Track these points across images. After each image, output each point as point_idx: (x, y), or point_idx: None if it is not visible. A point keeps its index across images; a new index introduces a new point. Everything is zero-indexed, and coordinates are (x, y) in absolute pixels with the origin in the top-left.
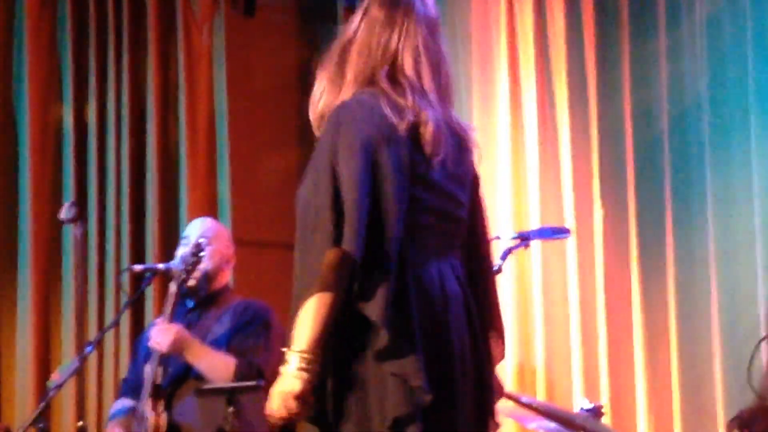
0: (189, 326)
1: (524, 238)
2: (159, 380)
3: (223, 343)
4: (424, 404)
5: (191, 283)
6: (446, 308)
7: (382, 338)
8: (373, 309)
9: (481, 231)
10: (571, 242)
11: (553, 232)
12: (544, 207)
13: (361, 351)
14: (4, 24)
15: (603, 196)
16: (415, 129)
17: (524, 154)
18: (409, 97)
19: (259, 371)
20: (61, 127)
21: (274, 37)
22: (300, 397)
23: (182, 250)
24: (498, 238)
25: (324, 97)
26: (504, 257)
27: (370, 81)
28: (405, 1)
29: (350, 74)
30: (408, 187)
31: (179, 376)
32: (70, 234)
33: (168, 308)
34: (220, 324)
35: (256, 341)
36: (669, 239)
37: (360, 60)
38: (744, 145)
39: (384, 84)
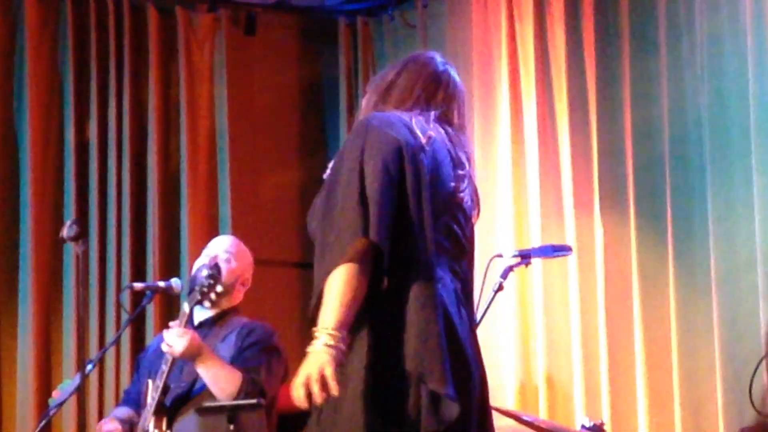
0: None
1: (525, 256)
2: (163, 398)
3: (227, 363)
4: (452, 418)
5: (206, 305)
6: (461, 325)
7: (411, 343)
8: (408, 318)
9: (473, 249)
10: (572, 260)
11: (554, 250)
12: (545, 225)
13: (385, 349)
14: (5, 42)
15: (603, 214)
16: (437, 149)
17: (525, 171)
18: (442, 131)
19: (262, 390)
20: (63, 145)
21: (275, 55)
22: (326, 376)
23: (202, 261)
24: (499, 256)
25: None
26: (505, 275)
27: (407, 107)
28: (447, 72)
29: (391, 100)
30: (430, 193)
31: (182, 395)
32: (71, 252)
33: (182, 321)
34: (226, 344)
35: (259, 362)
36: (670, 257)
37: (401, 97)
38: (745, 163)
39: (416, 112)
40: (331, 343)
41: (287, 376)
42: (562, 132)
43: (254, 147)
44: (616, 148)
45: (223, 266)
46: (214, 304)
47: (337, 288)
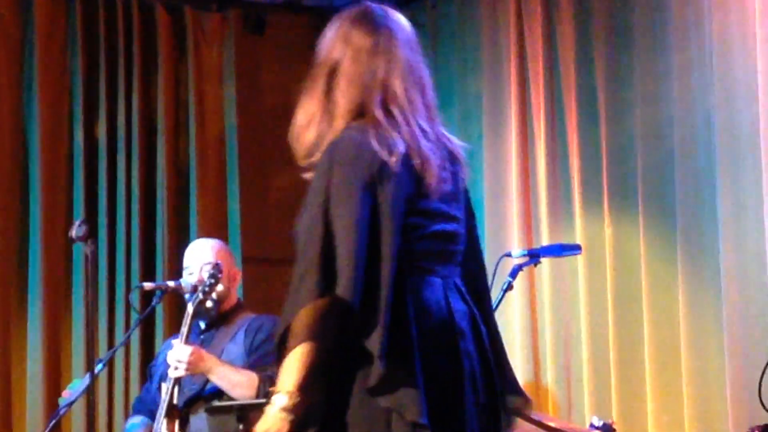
0: (203, 346)
1: (534, 255)
2: (174, 400)
3: (240, 362)
4: None
5: (208, 304)
6: (453, 327)
7: (375, 372)
8: (373, 343)
9: (476, 245)
10: (581, 259)
11: (564, 249)
12: (553, 224)
13: (354, 388)
14: (15, 42)
15: (612, 213)
16: (408, 161)
17: (534, 171)
18: (404, 128)
19: None
20: (72, 145)
21: (284, 55)
22: None
23: (188, 279)
24: (508, 255)
25: (314, 126)
26: (514, 274)
27: (361, 111)
28: (385, 26)
29: (343, 104)
30: (403, 221)
31: (194, 396)
32: (81, 252)
33: (184, 329)
34: (235, 342)
35: (271, 361)
36: (679, 256)
37: (351, 90)
38: (754, 162)
39: (378, 114)
40: (289, 406)
41: None
42: (571, 131)
43: (263, 146)
44: (625, 147)
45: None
46: (216, 303)
47: (296, 363)
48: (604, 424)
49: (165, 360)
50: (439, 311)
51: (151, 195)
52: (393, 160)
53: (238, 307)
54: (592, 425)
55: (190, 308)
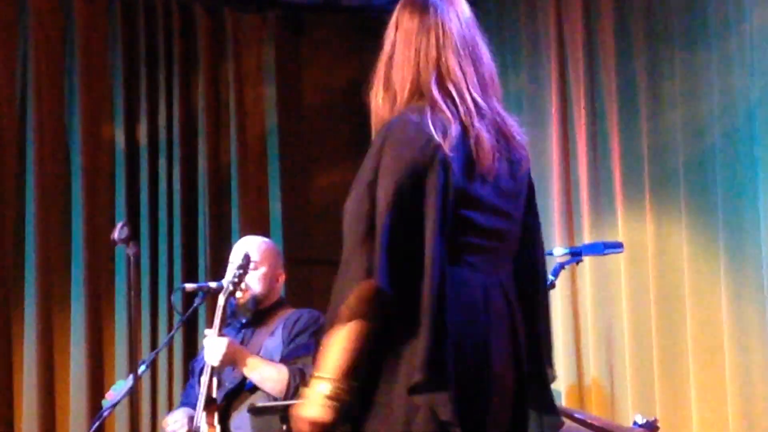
0: (242, 343)
1: (576, 254)
2: (213, 393)
3: (278, 355)
4: None
5: (238, 295)
6: (488, 327)
7: (417, 373)
8: (416, 344)
9: (532, 244)
10: (623, 257)
11: (606, 247)
12: (595, 222)
13: (392, 381)
14: (56, 45)
15: (654, 211)
16: (462, 141)
17: (575, 168)
18: (459, 106)
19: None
20: (113, 147)
21: (323, 54)
22: (327, 427)
23: (230, 274)
24: (550, 253)
25: (381, 114)
26: (556, 273)
27: (419, 91)
28: (433, 4)
29: (400, 87)
30: (451, 209)
31: (234, 390)
32: (123, 254)
33: (217, 321)
34: (273, 338)
35: (308, 350)
36: (721, 253)
37: (405, 71)
38: None
39: (434, 92)
40: (333, 394)
41: None
42: (612, 128)
43: (304, 147)
44: (667, 144)
45: (252, 276)
46: (249, 307)
47: (341, 346)
48: (648, 422)
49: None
50: (477, 311)
51: (192, 196)
52: (447, 144)
53: (278, 305)
54: (635, 423)
55: (221, 300)
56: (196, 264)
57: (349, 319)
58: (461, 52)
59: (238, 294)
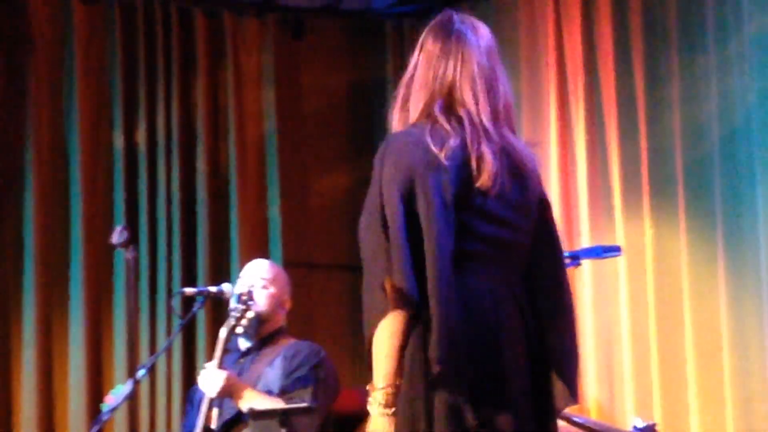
0: (241, 372)
1: (575, 257)
2: (212, 423)
3: (277, 386)
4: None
5: (239, 330)
6: (499, 331)
7: (434, 369)
8: (432, 346)
9: (550, 255)
10: (621, 261)
11: (604, 251)
12: (594, 226)
13: (417, 376)
14: (55, 49)
15: (653, 214)
16: (461, 155)
17: (574, 172)
18: (467, 127)
19: (309, 410)
20: (112, 150)
21: (323, 58)
22: None
23: (237, 286)
24: None
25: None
26: None
27: (429, 114)
28: (457, 31)
29: (414, 108)
30: (451, 211)
31: (233, 418)
32: (122, 258)
33: (218, 353)
34: (272, 368)
35: (307, 381)
36: (720, 256)
37: (420, 94)
38: None
39: (437, 111)
40: (386, 402)
41: (339, 385)
42: (611, 132)
43: (303, 150)
44: (665, 147)
45: (260, 293)
46: (248, 329)
47: (383, 349)
48: (647, 426)
49: None
50: (487, 315)
51: (191, 200)
52: (444, 153)
53: (280, 332)
54: (635, 427)
55: (222, 333)
56: (195, 268)
57: (384, 327)
58: (477, 81)
59: (239, 330)
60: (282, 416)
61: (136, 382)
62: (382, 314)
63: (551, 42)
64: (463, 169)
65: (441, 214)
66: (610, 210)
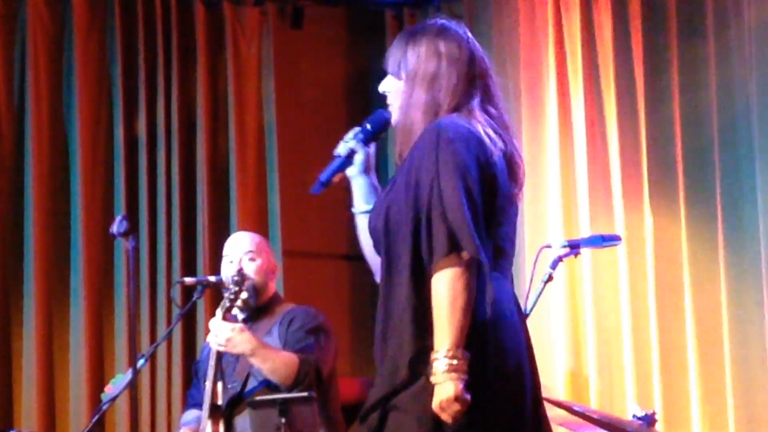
0: None
1: (574, 246)
2: (217, 399)
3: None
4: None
5: (235, 312)
6: (521, 330)
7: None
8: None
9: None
10: (621, 249)
11: (604, 240)
12: (594, 214)
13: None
14: (54, 39)
15: (653, 203)
16: (509, 159)
17: (573, 161)
18: (500, 126)
19: (317, 370)
20: (112, 141)
21: (322, 48)
22: (458, 399)
23: (226, 269)
24: (548, 246)
25: (420, 122)
26: (554, 266)
27: (463, 107)
28: (465, 37)
29: (447, 103)
30: (497, 208)
31: (236, 396)
32: (122, 248)
33: (219, 312)
34: (270, 335)
35: (307, 344)
36: (720, 245)
37: (457, 90)
38: None
39: (477, 112)
40: (450, 368)
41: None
42: (611, 121)
43: (302, 140)
44: (665, 136)
45: (249, 266)
46: (243, 309)
47: (446, 308)
48: (646, 415)
49: (207, 358)
50: (514, 316)
51: (190, 190)
52: (497, 153)
53: (275, 300)
54: (634, 416)
55: (219, 314)
56: (194, 257)
57: (448, 298)
58: (494, 79)
59: (235, 311)
60: (281, 405)
61: (137, 372)
62: (449, 282)
63: (551, 31)
64: (507, 170)
65: (492, 211)
66: (609, 199)
